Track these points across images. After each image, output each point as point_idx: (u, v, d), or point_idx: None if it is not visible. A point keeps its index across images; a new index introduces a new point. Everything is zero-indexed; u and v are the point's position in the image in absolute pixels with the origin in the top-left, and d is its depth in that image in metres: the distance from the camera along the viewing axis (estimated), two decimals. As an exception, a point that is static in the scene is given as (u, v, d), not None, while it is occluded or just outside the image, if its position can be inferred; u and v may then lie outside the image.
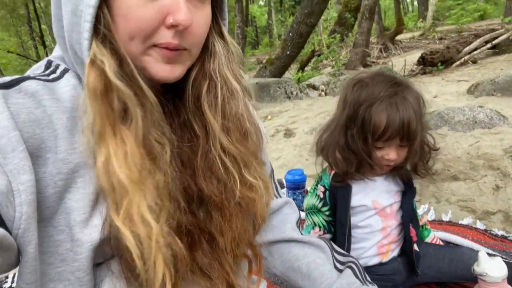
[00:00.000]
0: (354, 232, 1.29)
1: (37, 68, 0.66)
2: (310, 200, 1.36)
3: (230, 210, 0.72)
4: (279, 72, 8.13)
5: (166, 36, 0.60)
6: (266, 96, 6.24)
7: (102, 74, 0.57)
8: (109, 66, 0.57)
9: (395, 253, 1.33)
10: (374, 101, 1.14)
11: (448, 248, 1.42)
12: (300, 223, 1.00)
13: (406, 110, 1.10)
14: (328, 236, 1.35)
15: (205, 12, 0.65)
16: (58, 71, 0.64)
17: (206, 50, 0.71)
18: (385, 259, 1.31)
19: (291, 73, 10.35)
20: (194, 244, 0.68)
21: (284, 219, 0.96)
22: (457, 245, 1.66)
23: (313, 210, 1.36)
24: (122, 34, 0.59)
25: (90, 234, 0.58)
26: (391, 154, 1.15)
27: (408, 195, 1.31)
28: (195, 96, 0.71)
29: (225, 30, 0.73)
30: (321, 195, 1.32)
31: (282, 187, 2.54)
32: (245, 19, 12.19)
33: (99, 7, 0.56)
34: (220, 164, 0.70)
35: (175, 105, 0.72)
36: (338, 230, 1.29)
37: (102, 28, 0.57)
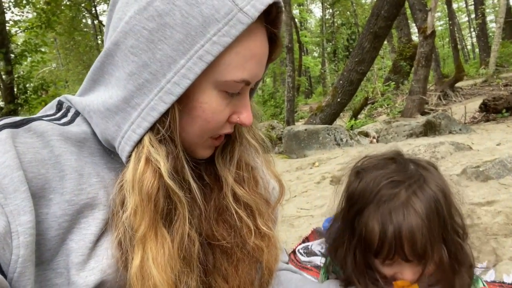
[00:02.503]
0: None
1: (49, 109, 0.67)
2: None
3: (237, 256, 0.69)
4: (330, 119, 8.07)
5: (227, 128, 0.65)
6: (315, 143, 6.16)
7: (157, 174, 0.57)
8: (165, 166, 0.57)
9: None
10: (366, 203, 0.85)
11: None
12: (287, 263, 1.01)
13: (407, 220, 0.79)
14: None
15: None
16: (70, 115, 0.65)
17: None
18: None
19: (343, 121, 10.23)
20: None
21: None
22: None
23: None
24: (193, 130, 0.61)
25: (86, 277, 0.55)
26: (405, 273, 0.83)
27: None
28: None
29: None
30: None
31: (321, 236, 2.39)
32: (295, 69, 12.49)
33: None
34: (234, 213, 0.69)
35: None
36: None
37: (163, 131, 0.57)
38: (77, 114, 0.65)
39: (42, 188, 0.54)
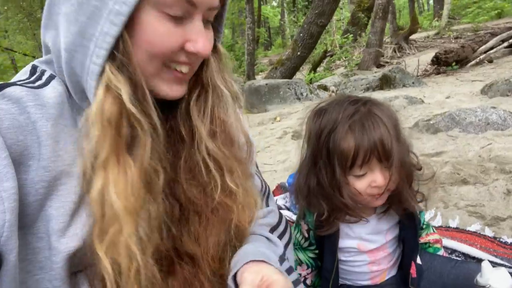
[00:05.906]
0: (341, 266, 1.17)
1: (23, 74, 0.65)
2: (295, 234, 1.20)
3: (207, 215, 0.72)
4: (290, 73, 8.08)
5: (182, 57, 0.63)
6: (276, 97, 6.20)
7: (118, 100, 0.56)
8: (126, 92, 0.57)
9: (392, 272, 1.20)
10: (335, 125, 0.97)
11: (454, 262, 1.26)
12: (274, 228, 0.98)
13: (374, 126, 0.94)
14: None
15: (212, 34, 0.69)
16: (44, 78, 0.63)
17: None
18: (382, 280, 1.18)
19: (303, 74, 10.28)
20: (171, 268, 0.68)
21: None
22: (463, 254, 1.59)
23: (297, 247, 1.21)
24: (142, 55, 0.59)
25: (67, 243, 0.57)
26: (378, 178, 0.96)
27: (408, 226, 1.13)
28: (186, 102, 0.72)
29: (218, 43, 0.75)
30: (305, 234, 1.16)
31: (285, 190, 2.49)
32: (256, 20, 12.17)
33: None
34: (203, 167, 0.71)
35: (163, 112, 0.71)
36: (323, 274, 1.17)
37: (119, 56, 0.57)
38: (52, 77, 0.64)
39: (21, 155, 0.54)
